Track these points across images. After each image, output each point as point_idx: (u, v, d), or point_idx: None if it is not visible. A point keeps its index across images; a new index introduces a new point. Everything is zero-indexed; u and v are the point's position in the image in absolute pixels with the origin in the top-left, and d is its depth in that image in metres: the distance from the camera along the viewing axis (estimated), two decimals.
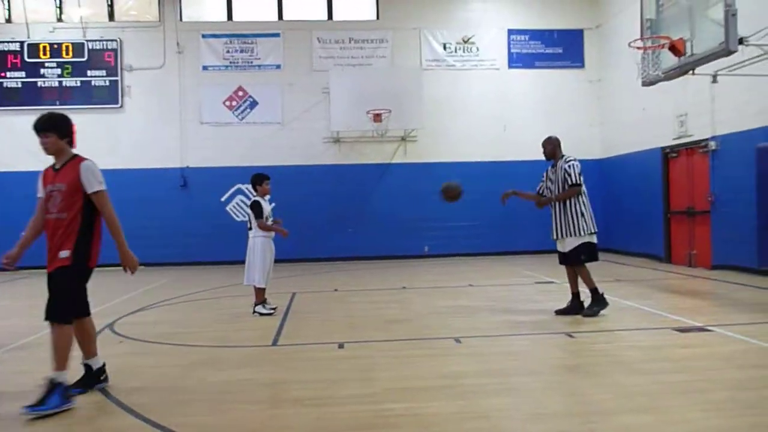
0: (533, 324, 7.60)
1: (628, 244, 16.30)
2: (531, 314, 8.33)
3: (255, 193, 8.85)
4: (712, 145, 12.59)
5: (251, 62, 17.23)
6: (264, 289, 8.63)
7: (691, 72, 9.76)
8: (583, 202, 7.77)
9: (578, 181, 7.79)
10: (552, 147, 8.19)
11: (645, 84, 10.74)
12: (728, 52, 8.38)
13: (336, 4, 17.65)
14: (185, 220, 16.85)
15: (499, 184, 17.24)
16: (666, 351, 6.01)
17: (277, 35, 17.27)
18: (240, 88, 17.16)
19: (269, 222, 8.62)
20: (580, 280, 7.86)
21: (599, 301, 7.75)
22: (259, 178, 8.85)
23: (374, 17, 17.62)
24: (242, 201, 17.00)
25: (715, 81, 10.81)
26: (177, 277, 14.20)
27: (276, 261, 8.87)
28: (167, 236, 16.75)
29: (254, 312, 8.55)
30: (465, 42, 17.67)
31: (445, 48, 17.62)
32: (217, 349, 6.68)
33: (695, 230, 13.53)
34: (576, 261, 7.80)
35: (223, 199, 17.05)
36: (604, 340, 6.59)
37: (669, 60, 9.85)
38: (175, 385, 5.25)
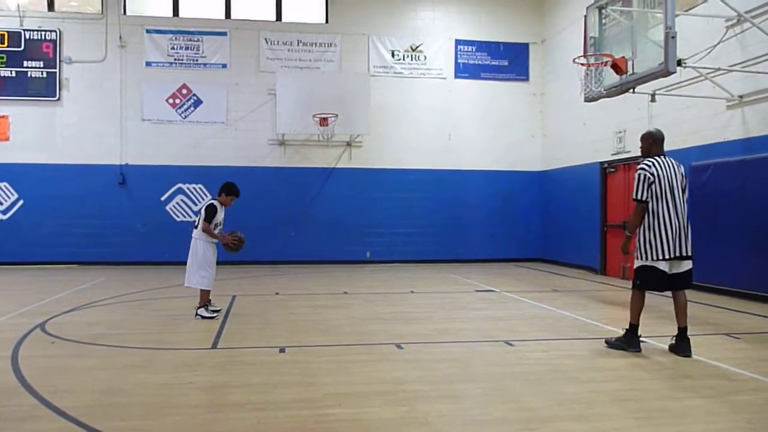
0: (473, 331, 7.72)
1: (566, 255, 16.69)
2: (471, 322, 8.45)
3: (216, 198, 8.62)
4: None
5: (196, 60, 16.94)
6: (208, 292, 8.46)
7: (631, 90, 10.09)
8: (649, 222, 6.33)
9: (638, 196, 6.35)
10: (646, 144, 6.63)
11: (587, 100, 11.04)
12: (667, 73, 8.68)
13: (285, 6, 17.53)
14: (123, 219, 16.42)
15: (442, 193, 17.71)
16: (601, 360, 6.17)
17: (224, 34, 17.03)
18: (184, 86, 16.83)
19: (216, 231, 8.44)
20: (685, 312, 6.39)
21: (628, 340, 6.52)
22: (230, 188, 8.55)
23: (323, 21, 17.57)
24: (183, 201, 16.69)
25: (653, 100, 11.23)
26: (113, 276, 13.80)
27: (216, 263, 8.70)
28: (104, 235, 16.31)
29: (196, 315, 8.36)
30: (413, 50, 17.81)
31: (393, 55, 17.72)
32: (154, 351, 6.52)
33: (629, 244, 13.93)
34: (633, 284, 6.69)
35: (163, 198, 16.67)
36: (542, 348, 6.72)
37: (611, 77, 10.15)
38: (109, 388, 5.09)
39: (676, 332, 6.43)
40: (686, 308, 6.36)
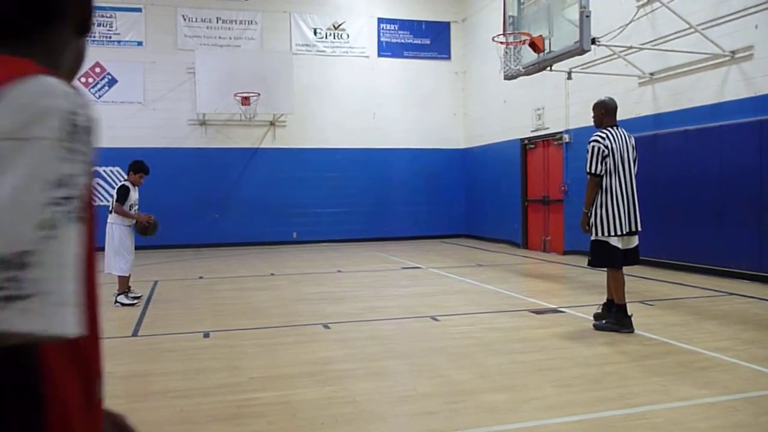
0: (400, 308, 7.79)
1: (489, 230, 17.04)
2: (398, 299, 8.53)
3: (126, 178, 8.44)
4: (566, 137, 13.40)
5: (109, 37, 16.22)
6: (128, 278, 8.21)
7: (548, 68, 10.31)
8: (601, 198, 6.05)
9: (592, 169, 6.04)
10: (598, 113, 6.31)
11: (507, 78, 11.23)
12: (582, 51, 8.92)
13: None
14: None
15: (367, 172, 17.70)
16: (523, 332, 6.35)
17: (138, 10, 16.37)
18: (97, 64, 16.12)
19: (132, 211, 8.21)
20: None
21: (620, 321, 6.16)
22: (138, 166, 8.37)
23: None
24: (99, 185, 16.07)
25: (569, 78, 11.52)
26: None
27: (137, 248, 8.46)
28: None
29: (116, 302, 8.10)
30: (335, 28, 17.64)
31: (315, 33, 17.49)
32: None
33: (550, 218, 14.38)
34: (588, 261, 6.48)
35: None
36: (467, 322, 6.85)
37: (529, 56, 10.34)
38: None
39: (603, 302, 6.53)
40: (624, 284, 6.23)
